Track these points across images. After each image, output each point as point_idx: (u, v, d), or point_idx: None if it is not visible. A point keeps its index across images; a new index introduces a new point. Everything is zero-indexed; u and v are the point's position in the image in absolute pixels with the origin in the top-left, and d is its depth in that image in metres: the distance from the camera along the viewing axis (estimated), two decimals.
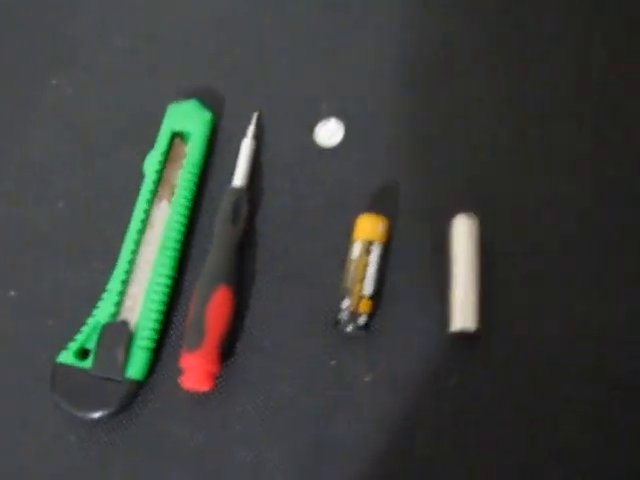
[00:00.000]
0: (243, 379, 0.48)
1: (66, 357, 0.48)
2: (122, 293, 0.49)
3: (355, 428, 0.46)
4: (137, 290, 0.49)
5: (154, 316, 0.48)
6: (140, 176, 0.52)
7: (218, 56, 0.57)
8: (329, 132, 0.53)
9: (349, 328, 0.47)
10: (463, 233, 0.48)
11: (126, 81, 0.57)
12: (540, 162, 0.52)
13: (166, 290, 0.49)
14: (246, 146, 0.53)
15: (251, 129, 0.53)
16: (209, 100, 0.55)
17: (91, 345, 0.48)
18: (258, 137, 0.54)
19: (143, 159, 0.53)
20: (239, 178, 0.52)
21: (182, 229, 0.51)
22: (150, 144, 0.53)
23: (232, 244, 0.49)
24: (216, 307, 0.47)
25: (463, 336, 0.47)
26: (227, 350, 0.48)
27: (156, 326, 0.48)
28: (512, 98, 0.54)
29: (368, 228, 0.49)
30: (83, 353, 0.48)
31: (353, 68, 0.56)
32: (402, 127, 0.54)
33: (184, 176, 0.52)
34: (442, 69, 0.56)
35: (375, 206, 0.51)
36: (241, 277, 0.50)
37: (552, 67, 0.55)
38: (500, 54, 0.56)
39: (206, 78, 0.56)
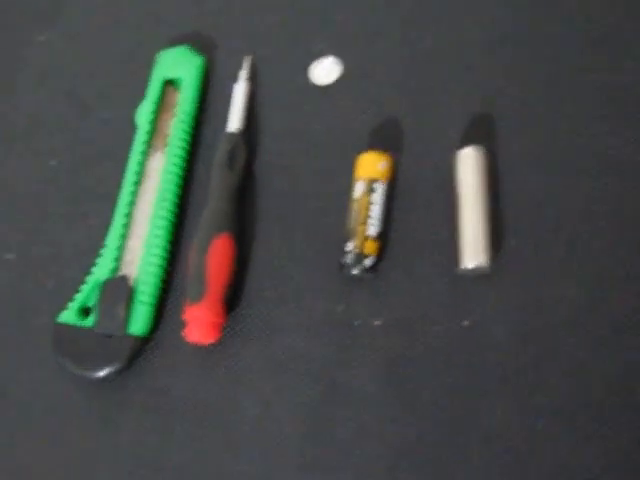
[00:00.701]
0: (248, 330, 0.47)
1: (67, 317, 0.47)
2: (121, 248, 0.48)
3: (367, 374, 0.45)
4: (136, 244, 0.48)
5: (154, 270, 0.47)
6: (133, 128, 0.51)
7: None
8: (325, 70, 0.52)
9: (355, 271, 0.45)
10: (469, 166, 0.47)
11: (114, 31, 0.56)
12: (551, 93, 0.50)
13: (165, 242, 0.48)
14: (239, 90, 0.51)
15: (244, 72, 0.52)
16: (200, 45, 0.54)
17: (92, 303, 0.47)
18: (252, 80, 0.52)
19: (135, 111, 0.51)
20: (234, 123, 0.50)
21: (178, 179, 0.50)
22: (142, 95, 0.52)
23: (230, 190, 0.48)
24: (217, 256, 0.46)
25: (475, 274, 0.45)
26: (231, 300, 0.47)
27: (157, 280, 0.47)
28: (520, 33, 0.52)
29: (370, 166, 0.47)
30: (84, 312, 0.47)
31: (347, 3, 0.54)
32: (401, 61, 0.52)
33: (177, 125, 0.51)
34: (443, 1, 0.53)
35: (377, 144, 0.49)
36: (241, 224, 0.48)
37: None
38: None
39: (196, 22, 0.55)
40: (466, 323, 0.45)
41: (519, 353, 0.45)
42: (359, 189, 0.47)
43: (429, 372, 0.45)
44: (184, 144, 0.50)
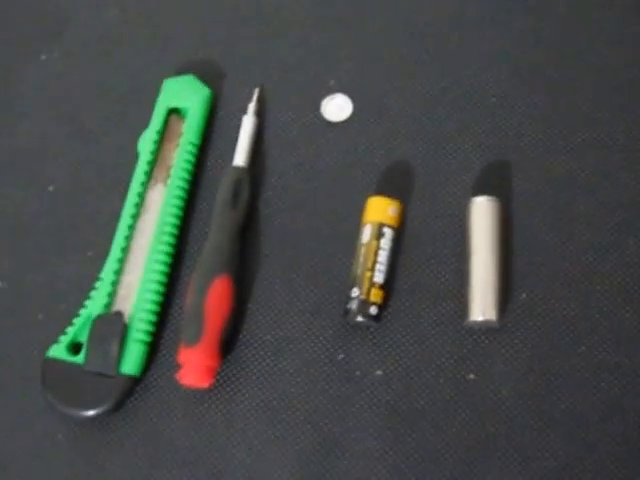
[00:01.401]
0: (244, 375, 0.45)
1: (57, 351, 0.45)
2: (116, 283, 0.46)
3: (366, 427, 0.44)
4: (132, 279, 0.47)
5: (150, 307, 0.46)
6: (134, 157, 0.50)
7: (217, 27, 0.54)
8: (337, 107, 0.50)
9: (359, 318, 0.44)
10: (482, 216, 0.45)
11: (119, 55, 0.54)
12: (567, 139, 0.49)
13: (162, 279, 0.46)
14: (247, 123, 0.50)
15: (252, 105, 0.51)
16: (207, 75, 0.52)
17: (83, 338, 0.45)
18: (260, 113, 0.51)
19: (137, 139, 0.50)
20: (240, 157, 0.49)
21: (179, 213, 0.48)
22: (145, 123, 0.50)
23: (232, 229, 0.47)
24: (215, 298, 0.44)
25: (482, 327, 0.44)
26: (227, 344, 0.45)
27: (152, 318, 0.46)
28: (537, 80, 0.51)
29: (380, 210, 0.46)
30: (75, 347, 0.46)
31: (361, 40, 0.53)
32: (415, 103, 0.51)
33: (181, 156, 0.49)
34: (455, 40, 0.52)
35: (386, 186, 0.48)
36: (242, 265, 0.47)
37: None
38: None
39: (204, 51, 0.53)
40: (472, 377, 0.44)
41: (524, 411, 0.44)
42: (367, 233, 0.45)
43: (431, 426, 0.44)
44: (187, 176, 0.49)
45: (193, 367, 0.43)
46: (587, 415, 0.43)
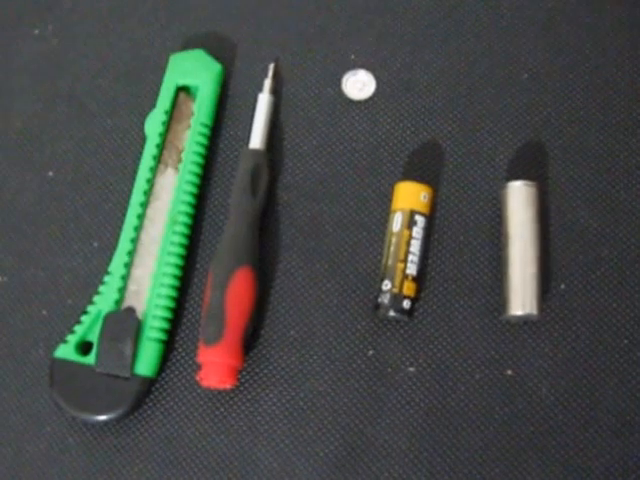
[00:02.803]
0: (268, 374, 0.43)
1: (65, 352, 0.43)
2: (126, 277, 0.44)
3: (399, 427, 0.42)
4: (143, 273, 0.44)
5: (165, 302, 0.43)
6: (141, 139, 0.47)
7: None
8: (360, 83, 0.48)
9: (392, 313, 0.42)
10: (519, 201, 0.43)
11: (120, 28, 0.51)
12: (606, 118, 0.47)
13: (177, 272, 0.44)
14: (263, 102, 0.47)
15: (268, 82, 0.48)
16: (218, 49, 0.49)
17: (93, 337, 0.43)
18: (277, 91, 0.48)
19: (143, 120, 0.47)
20: (257, 139, 0.46)
21: (192, 200, 0.46)
22: (151, 102, 0.48)
23: (252, 217, 0.44)
24: (236, 293, 0.42)
25: (520, 320, 0.42)
26: (250, 341, 0.43)
27: (167, 314, 0.43)
28: (574, 41, 0.48)
29: (411, 197, 0.44)
30: (85, 347, 0.44)
31: (383, 10, 0.50)
32: (445, 79, 0.48)
33: (192, 138, 0.46)
34: (485, 9, 0.49)
35: (414, 170, 0.46)
36: (263, 256, 0.45)
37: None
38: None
39: (214, 23, 0.50)
40: (509, 373, 0.43)
41: (565, 408, 0.42)
42: (398, 222, 0.43)
43: (468, 425, 0.42)
44: (199, 160, 0.46)
45: (215, 367, 0.41)
46: (631, 412, 0.42)
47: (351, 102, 0.48)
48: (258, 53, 0.49)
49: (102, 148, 0.48)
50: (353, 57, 0.49)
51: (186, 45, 0.50)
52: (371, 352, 0.43)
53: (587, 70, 0.48)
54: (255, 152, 0.46)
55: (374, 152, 0.47)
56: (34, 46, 0.51)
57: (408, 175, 0.46)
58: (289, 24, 0.50)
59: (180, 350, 0.44)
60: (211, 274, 0.43)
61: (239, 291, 0.42)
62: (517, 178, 0.44)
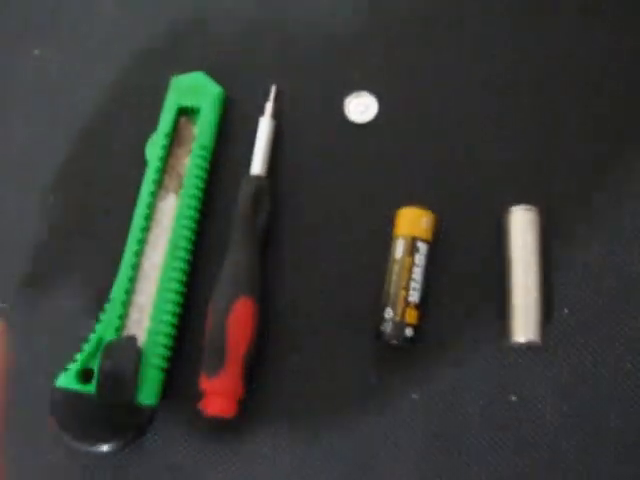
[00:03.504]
0: (271, 402, 0.43)
1: (66, 380, 0.43)
2: (127, 304, 0.44)
3: (403, 454, 0.42)
4: (144, 300, 0.44)
5: (166, 330, 0.44)
6: (142, 164, 0.47)
7: (228, 19, 0.51)
8: (362, 106, 0.47)
9: (394, 341, 0.42)
10: (522, 228, 0.43)
11: (122, 50, 0.51)
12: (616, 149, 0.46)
13: (178, 299, 0.44)
14: (265, 126, 0.47)
15: (269, 105, 0.48)
16: (218, 71, 0.49)
17: (94, 365, 0.43)
18: (278, 114, 0.48)
19: (144, 143, 0.47)
20: (258, 164, 0.46)
21: (194, 226, 0.46)
22: (152, 125, 0.47)
23: (253, 244, 0.44)
24: (238, 322, 0.42)
25: (523, 346, 0.42)
26: (252, 369, 0.43)
27: (169, 342, 0.44)
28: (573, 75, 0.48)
29: (413, 223, 0.44)
30: (86, 375, 0.43)
31: (386, 31, 0.50)
32: (448, 103, 0.48)
33: (193, 162, 0.47)
34: (489, 32, 0.49)
35: (417, 195, 0.46)
36: (264, 282, 0.44)
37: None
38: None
39: (214, 46, 0.50)
40: (513, 398, 0.43)
41: (570, 434, 0.42)
42: (400, 248, 0.43)
43: (472, 452, 0.42)
44: (200, 184, 0.46)
45: (217, 397, 0.42)
46: (635, 437, 0.42)
47: (354, 125, 0.48)
48: (260, 76, 0.49)
49: (103, 172, 0.48)
50: (355, 79, 0.48)
51: (188, 67, 0.49)
52: (373, 379, 0.43)
53: (585, 92, 0.48)
54: (256, 178, 0.46)
55: (377, 176, 0.47)
56: (34, 67, 0.51)
57: (411, 198, 0.45)
58: (291, 46, 0.50)
59: (181, 378, 0.44)
60: (212, 303, 0.43)
61: (240, 321, 0.42)
62: (519, 203, 0.44)
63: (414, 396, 0.43)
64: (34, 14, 0.52)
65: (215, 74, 0.48)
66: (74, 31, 0.51)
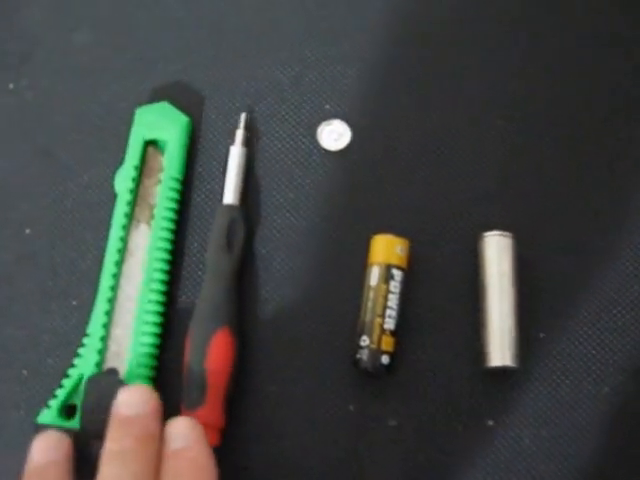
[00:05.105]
0: (250, 431, 0.44)
1: (48, 417, 0.43)
2: (105, 338, 0.44)
3: None
4: (123, 332, 0.45)
5: (146, 361, 0.44)
6: (114, 195, 0.47)
7: (195, 45, 0.50)
8: (335, 133, 0.47)
9: (370, 369, 0.42)
10: (496, 254, 0.44)
11: (94, 82, 0.50)
12: (590, 173, 0.47)
13: (156, 330, 0.45)
14: (235, 154, 0.47)
15: (240, 133, 0.48)
16: (190, 101, 0.49)
17: (77, 400, 0.44)
18: (250, 142, 0.48)
19: (114, 175, 0.47)
20: (230, 194, 0.47)
21: (167, 257, 0.46)
22: (122, 157, 0.47)
23: (229, 275, 0.45)
24: (216, 355, 0.43)
25: (500, 370, 0.42)
26: (231, 400, 0.43)
27: (149, 373, 0.44)
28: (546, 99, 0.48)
29: (386, 250, 0.45)
30: (68, 410, 0.44)
31: (358, 58, 0.49)
32: (421, 130, 0.48)
33: (163, 193, 0.47)
34: (460, 60, 0.49)
35: (391, 221, 0.46)
36: (241, 312, 0.45)
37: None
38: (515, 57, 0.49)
39: (186, 75, 0.49)
40: (490, 423, 0.43)
41: (547, 457, 0.43)
42: (375, 276, 0.43)
43: (450, 478, 0.42)
44: (172, 215, 0.47)
45: None
46: (613, 461, 0.42)
47: (327, 153, 0.48)
48: (231, 104, 0.49)
49: (78, 204, 0.48)
50: (328, 107, 0.49)
51: (157, 98, 0.49)
52: (352, 407, 0.44)
53: (562, 115, 0.48)
54: (229, 208, 0.46)
55: (351, 203, 0.47)
56: (8, 100, 0.50)
57: (385, 225, 0.46)
58: (262, 74, 0.50)
59: (163, 408, 0.44)
60: (190, 337, 0.44)
61: (219, 353, 0.43)
62: (493, 229, 0.45)
63: (392, 422, 0.44)
64: (6, 47, 0.51)
65: (186, 103, 0.48)
66: (48, 65, 0.50)
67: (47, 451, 0.39)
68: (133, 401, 0.39)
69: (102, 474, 0.36)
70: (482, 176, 0.47)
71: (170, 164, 0.47)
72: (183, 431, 0.38)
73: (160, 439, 0.38)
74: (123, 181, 0.47)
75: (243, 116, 0.49)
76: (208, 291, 0.44)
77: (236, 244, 0.45)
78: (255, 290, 0.46)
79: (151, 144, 0.48)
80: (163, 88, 0.50)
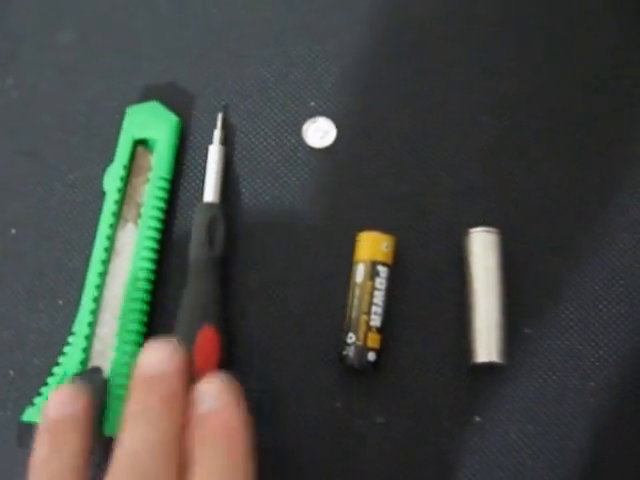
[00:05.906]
0: None
1: (33, 415, 0.44)
2: (90, 336, 0.44)
3: (369, 479, 0.41)
4: (108, 331, 0.45)
5: (130, 360, 0.44)
6: (101, 194, 0.47)
7: (183, 46, 0.51)
8: (320, 131, 0.48)
9: (356, 366, 0.42)
10: (482, 250, 0.44)
11: (81, 81, 0.51)
12: (573, 173, 0.47)
13: (141, 329, 0.45)
14: (214, 153, 0.48)
15: (217, 133, 0.49)
16: (176, 100, 0.49)
17: None
18: (233, 140, 0.49)
19: (103, 174, 0.47)
20: (210, 192, 0.47)
21: (153, 256, 0.46)
22: (111, 156, 0.48)
23: (211, 273, 0.45)
24: (202, 353, 0.43)
25: (486, 366, 0.42)
26: None
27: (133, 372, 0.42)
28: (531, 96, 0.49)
29: (372, 247, 0.45)
30: None
31: (343, 56, 0.50)
32: (407, 127, 0.48)
33: (151, 192, 0.47)
34: (444, 54, 0.49)
35: (378, 220, 0.47)
36: (225, 311, 0.45)
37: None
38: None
39: (172, 74, 0.50)
40: (477, 419, 0.43)
41: (535, 453, 0.43)
42: (360, 273, 0.43)
43: (438, 475, 0.42)
44: (159, 214, 0.47)
45: None
46: (599, 456, 0.42)
47: (312, 150, 0.48)
48: (217, 103, 0.49)
49: (64, 204, 0.48)
50: (313, 104, 0.49)
51: (145, 97, 0.49)
52: (338, 404, 0.44)
53: (547, 111, 0.48)
54: (209, 206, 0.46)
55: (336, 200, 0.47)
56: None
57: (370, 222, 0.46)
58: (247, 72, 0.50)
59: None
60: (175, 333, 0.43)
61: (204, 352, 0.43)
62: (479, 225, 0.45)
63: (380, 419, 0.44)
64: None
65: (173, 102, 0.48)
66: (34, 63, 0.51)
67: (63, 405, 0.35)
68: (156, 359, 0.35)
69: (124, 438, 0.33)
70: (468, 172, 0.48)
71: (159, 164, 0.48)
72: (214, 391, 0.34)
73: (188, 400, 0.34)
74: (112, 180, 0.47)
75: (219, 116, 0.49)
76: (191, 289, 0.45)
77: (217, 242, 0.45)
78: (239, 289, 0.46)
79: (140, 143, 0.49)
80: (149, 87, 0.50)
